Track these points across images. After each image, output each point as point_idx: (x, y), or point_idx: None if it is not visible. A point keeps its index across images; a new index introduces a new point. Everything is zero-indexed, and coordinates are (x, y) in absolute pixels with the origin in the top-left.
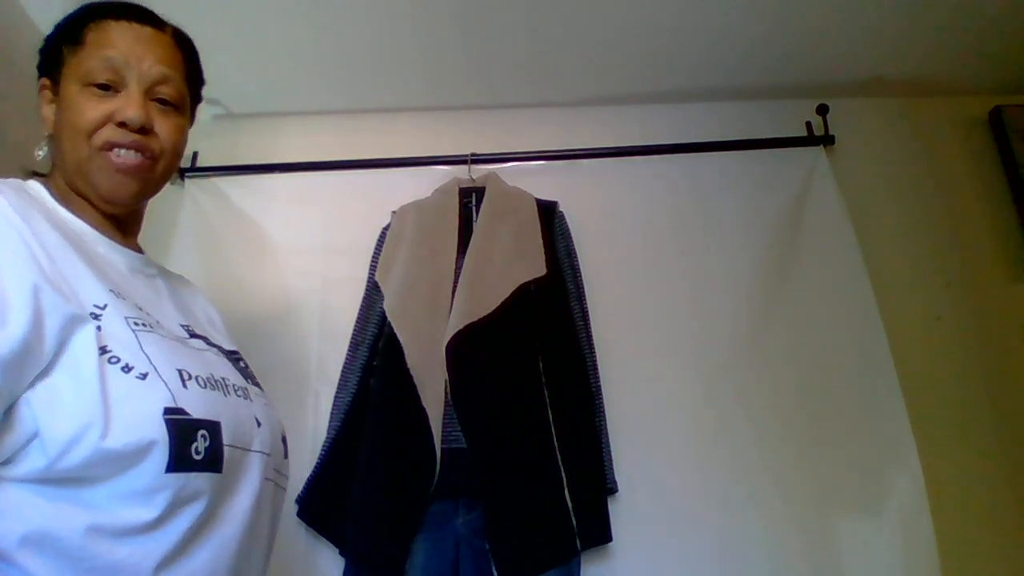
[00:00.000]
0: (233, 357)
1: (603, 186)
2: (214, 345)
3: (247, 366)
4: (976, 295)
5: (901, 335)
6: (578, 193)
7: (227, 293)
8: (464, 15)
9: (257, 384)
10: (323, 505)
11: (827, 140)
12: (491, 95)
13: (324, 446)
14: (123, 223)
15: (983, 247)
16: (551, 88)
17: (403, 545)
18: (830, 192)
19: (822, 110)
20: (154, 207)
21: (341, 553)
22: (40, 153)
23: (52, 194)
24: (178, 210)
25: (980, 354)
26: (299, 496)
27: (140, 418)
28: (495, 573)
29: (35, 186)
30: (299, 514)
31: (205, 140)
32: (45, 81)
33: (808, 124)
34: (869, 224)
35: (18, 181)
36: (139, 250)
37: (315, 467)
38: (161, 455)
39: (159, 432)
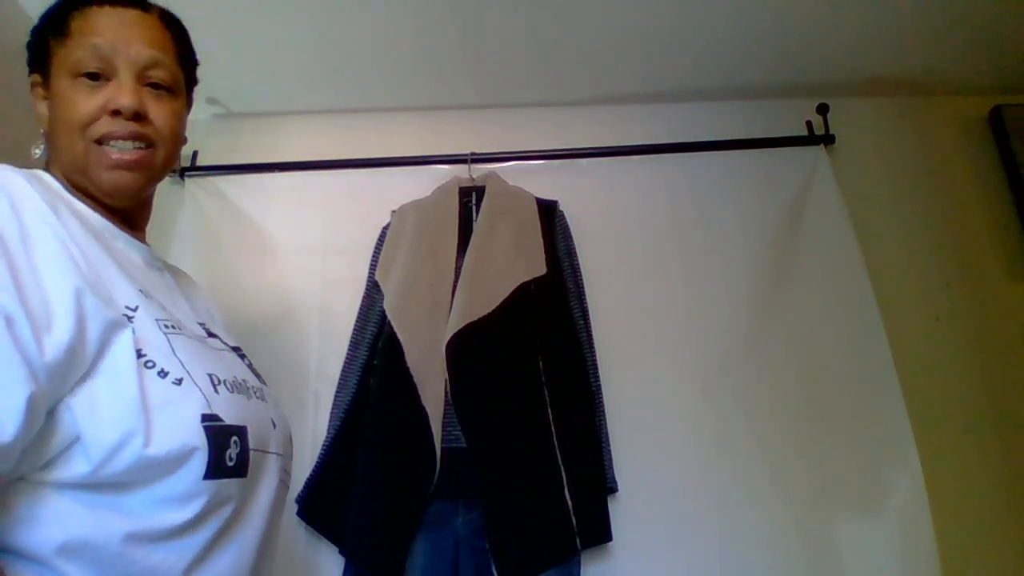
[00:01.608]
0: (239, 354)
1: (603, 185)
2: (227, 344)
3: (251, 363)
4: (976, 295)
5: (901, 335)
6: (578, 192)
7: (227, 293)
8: (464, 15)
9: (263, 381)
10: (323, 504)
11: (827, 139)
12: (491, 94)
13: (324, 446)
14: (131, 215)
15: (983, 247)
16: (551, 87)
17: (403, 545)
18: (830, 191)
19: (822, 109)
20: (153, 206)
21: (341, 553)
22: (37, 152)
23: (64, 186)
24: (178, 209)
25: (980, 354)
26: (299, 495)
27: (180, 425)
28: (495, 573)
29: (47, 177)
30: (299, 513)
31: (205, 139)
32: (36, 78)
33: (808, 123)
34: (869, 224)
35: (32, 171)
36: (146, 243)
37: (315, 466)
38: (200, 462)
39: (199, 439)
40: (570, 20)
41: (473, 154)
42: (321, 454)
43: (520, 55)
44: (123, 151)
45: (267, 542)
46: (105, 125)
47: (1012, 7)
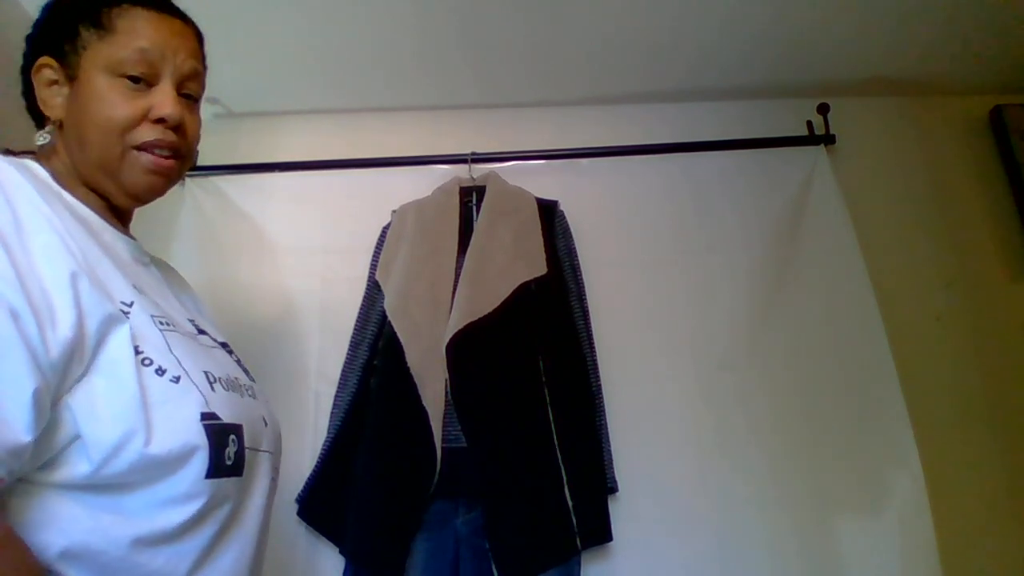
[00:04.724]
0: (227, 350)
1: (603, 185)
2: (216, 341)
3: (239, 359)
4: (976, 295)
5: (901, 335)
6: (578, 192)
7: (227, 293)
8: (464, 14)
9: (252, 378)
10: (323, 504)
11: (828, 139)
12: (491, 94)
13: (324, 446)
14: (123, 212)
15: (983, 247)
16: (551, 87)
17: (403, 544)
18: (830, 191)
19: (823, 109)
20: (154, 206)
21: (341, 552)
22: (43, 139)
23: (54, 177)
24: (178, 210)
25: (980, 354)
26: (299, 495)
27: (181, 424)
28: (495, 572)
29: (36, 167)
30: (299, 513)
31: (205, 139)
32: (50, 61)
33: (809, 123)
34: (869, 224)
35: (18, 160)
36: (133, 237)
37: (315, 467)
38: (202, 461)
39: (200, 438)
40: (570, 20)
41: (473, 154)
42: (321, 454)
43: (520, 55)
44: (161, 158)
45: (263, 538)
46: (148, 132)
47: (1012, 7)
